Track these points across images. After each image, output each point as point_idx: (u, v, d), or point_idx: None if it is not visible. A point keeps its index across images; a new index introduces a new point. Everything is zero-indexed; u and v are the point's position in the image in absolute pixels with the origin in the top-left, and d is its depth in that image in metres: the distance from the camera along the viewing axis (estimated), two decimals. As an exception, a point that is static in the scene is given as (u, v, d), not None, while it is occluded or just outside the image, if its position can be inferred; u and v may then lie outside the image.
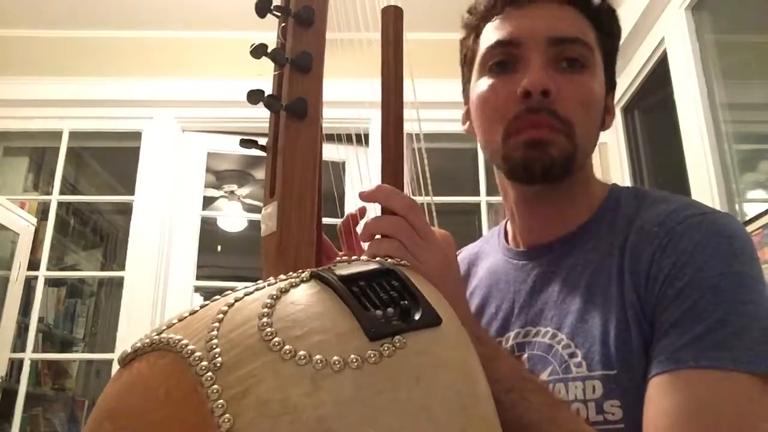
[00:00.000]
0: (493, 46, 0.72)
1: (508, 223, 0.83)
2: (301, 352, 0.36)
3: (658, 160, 2.35)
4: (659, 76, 2.23)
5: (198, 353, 0.37)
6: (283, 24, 0.59)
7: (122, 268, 2.47)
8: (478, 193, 2.59)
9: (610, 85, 0.77)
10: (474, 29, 0.77)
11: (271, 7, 0.57)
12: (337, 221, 0.69)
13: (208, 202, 3.38)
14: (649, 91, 2.38)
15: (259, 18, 0.58)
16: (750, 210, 1.83)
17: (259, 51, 0.55)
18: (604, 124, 0.76)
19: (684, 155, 2.02)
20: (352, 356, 0.37)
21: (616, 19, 0.77)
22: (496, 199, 2.66)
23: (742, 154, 1.93)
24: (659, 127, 2.21)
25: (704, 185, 1.90)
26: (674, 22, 2.08)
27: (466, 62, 0.79)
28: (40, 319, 2.77)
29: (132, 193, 2.54)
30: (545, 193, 0.73)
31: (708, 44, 2.01)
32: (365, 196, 0.59)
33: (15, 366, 2.54)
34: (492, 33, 0.73)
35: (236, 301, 0.41)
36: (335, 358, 0.36)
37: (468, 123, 0.80)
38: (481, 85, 0.73)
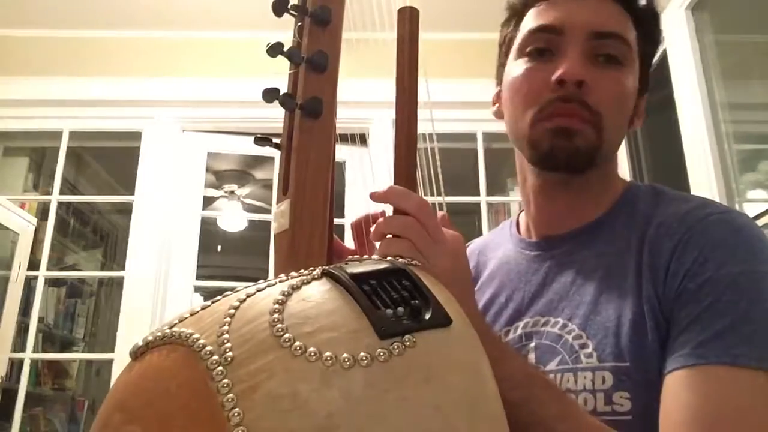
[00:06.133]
0: (534, 30, 0.73)
1: (521, 214, 0.83)
2: (312, 349, 0.37)
3: (658, 160, 2.35)
4: (659, 75, 2.23)
5: (209, 347, 0.37)
6: (299, 23, 0.59)
7: (122, 268, 2.46)
8: (478, 193, 2.59)
9: (643, 87, 0.77)
10: (517, 13, 0.78)
11: (288, 7, 0.57)
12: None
13: (208, 202, 3.37)
14: (650, 91, 2.37)
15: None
16: (750, 210, 1.84)
17: (275, 49, 0.55)
18: (633, 123, 0.77)
19: (684, 155, 2.02)
20: (362, 354, 0.37)
21: (657, 24, 0.77)
22: (496, 199, 2.66)
23: (742, 154, 1.93)
24: (659, 127, 2.21)
25: (704, 185, 1.90)
26: (674, 22, 2.08)
27: (504, 45, 0.80)
28: (40, 319, 2.77)
29: (132, 193, 2.53)
30: (565, 183, 0.74)
31: (708, 44, 2.01)
32: (376, 197, 0.58)
33: (15, 366, 2.53)
34: (535, 18, 0.74)
35: (248, 297, 0.41)
36: (345, 355, 0.36)
37: (497, 105, 0.81)
38: (517, 68, 0.74)
